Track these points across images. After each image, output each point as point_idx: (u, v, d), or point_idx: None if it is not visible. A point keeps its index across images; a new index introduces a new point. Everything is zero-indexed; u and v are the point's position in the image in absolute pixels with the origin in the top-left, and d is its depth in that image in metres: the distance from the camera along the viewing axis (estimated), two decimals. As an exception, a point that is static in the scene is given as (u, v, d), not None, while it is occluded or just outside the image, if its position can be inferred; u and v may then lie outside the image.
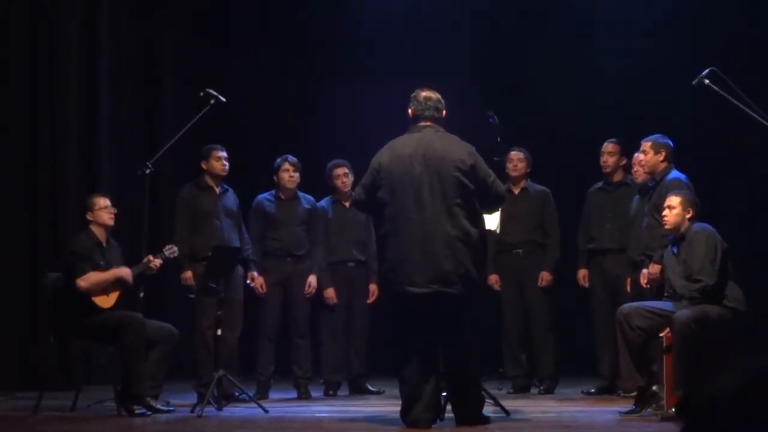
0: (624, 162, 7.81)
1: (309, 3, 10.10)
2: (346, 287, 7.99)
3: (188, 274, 7.27)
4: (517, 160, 8.06)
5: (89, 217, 6.79)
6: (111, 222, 6.81)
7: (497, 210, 6.13)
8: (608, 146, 7.85)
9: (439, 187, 5.59)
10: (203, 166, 7.47)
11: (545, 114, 9.55)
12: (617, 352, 7.01)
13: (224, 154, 7.45)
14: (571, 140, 9.13)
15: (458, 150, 5.69)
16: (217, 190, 7.47)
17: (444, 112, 5.86)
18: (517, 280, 8.01)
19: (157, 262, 6.89)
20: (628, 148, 7.59)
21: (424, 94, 5.85)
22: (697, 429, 1.65)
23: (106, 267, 6.68)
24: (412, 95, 5.87)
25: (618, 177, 7.84)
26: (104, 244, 6.77)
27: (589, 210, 7.93)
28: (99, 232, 6.76)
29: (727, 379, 1.64)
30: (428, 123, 5.79)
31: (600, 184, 7.94)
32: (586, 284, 7.89)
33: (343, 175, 7.98)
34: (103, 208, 6.77)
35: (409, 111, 5.87)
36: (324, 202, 8.08)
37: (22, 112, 8.51)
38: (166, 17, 9.80)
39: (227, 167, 7.45)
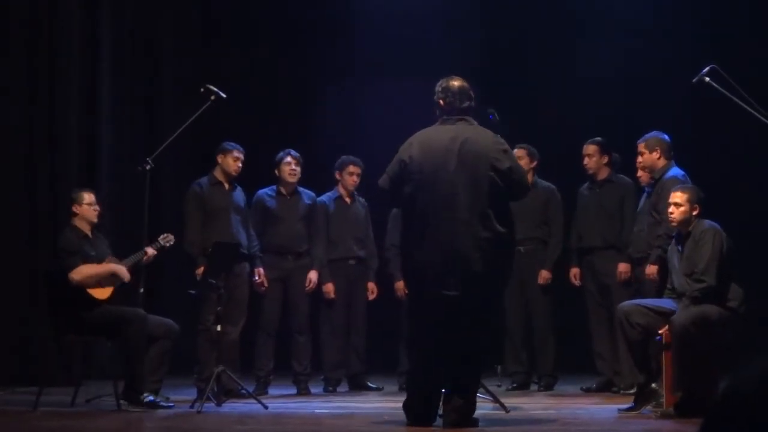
0: (606, 160, 7.82)
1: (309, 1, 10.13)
2: (346, 284, 7.98)
3: (202, 269, 7.25)
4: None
5: (75, 209, 6.81)
6: (95, 219, 6.84)
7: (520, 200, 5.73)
8: (587, 148, 7.89)
9: (473, 187, 5.26)
10: (218, 160, 7.50)
11: (543, 114, 9.53)
12: (614, 348, 7.00)
13: (242, 156, 7.50)
14: (569, 140, 9.11)
15: (494, 147, 5.37)
16: (227, 186, 7.49)
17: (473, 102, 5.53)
18: (520, 276, 8.00)
19: (150, 251, 6.91)
20: (629, 148, 7.53)
21: (457, 84, 5.48)
22: (717, 426, 1.65)
23: (97, 257, 6.70)
24: (443, 86, 5.48)
25: (603, 175, 7.87)
26: (90, 236, 6.80)
27: (578, 209, 7.97)
28: (83, 226, 6.79)
29: (745, 376, 1.63)
30: (462, 116, 5.46)
31: (587, 183, 7.98)
32: (578, 283, 7.93)
33: (356, 174, 7.97)
34: (89, 204, 6.80)
35: (441, 102, 5.48)
36: (326, 197, 8.07)
37: (22, 108, 8.49)
38: (167, 13, 9.80)
39: (240, 169, 7.49)
